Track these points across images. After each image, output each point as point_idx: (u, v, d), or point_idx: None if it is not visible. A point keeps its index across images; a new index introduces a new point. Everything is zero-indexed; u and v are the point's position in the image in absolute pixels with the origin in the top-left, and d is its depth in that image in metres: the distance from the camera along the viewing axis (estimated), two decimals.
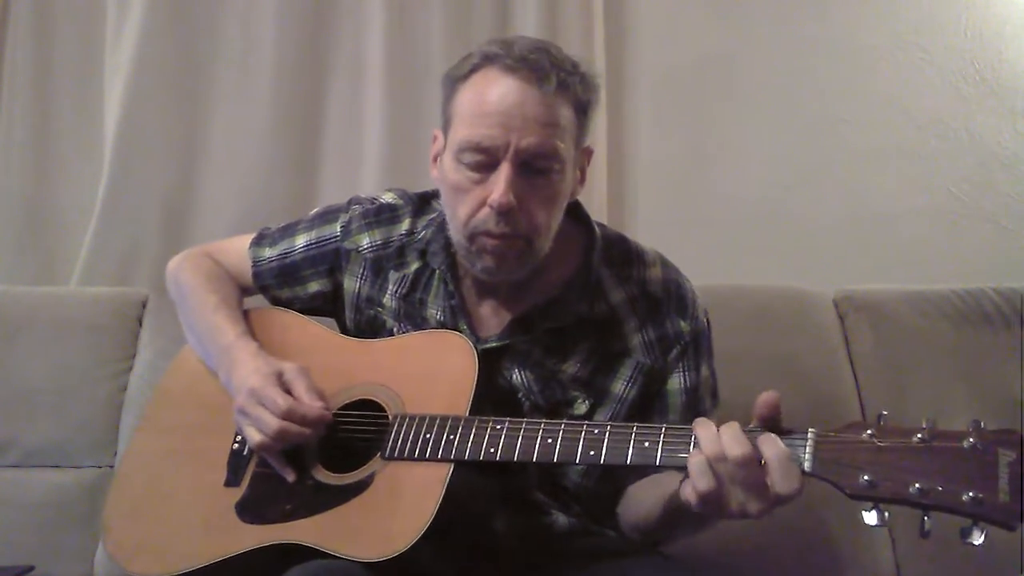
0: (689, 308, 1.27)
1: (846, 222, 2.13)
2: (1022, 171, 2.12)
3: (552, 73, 1.12)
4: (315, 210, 1.44)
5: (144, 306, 1.82)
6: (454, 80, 1.18)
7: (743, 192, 2.14)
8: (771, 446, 0.94)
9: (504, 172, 1.11)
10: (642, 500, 1.20)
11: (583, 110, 1.17)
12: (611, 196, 2.08)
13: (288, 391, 1.18)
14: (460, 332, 1.23)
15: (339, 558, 1.06)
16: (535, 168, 1.13)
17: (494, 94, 1.12)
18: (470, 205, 1.15)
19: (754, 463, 0.93)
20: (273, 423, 1.14)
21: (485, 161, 1.13)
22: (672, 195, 2.15)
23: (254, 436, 1.16)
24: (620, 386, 1.24)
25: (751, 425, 0.98)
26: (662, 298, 1.26)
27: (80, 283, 2.01)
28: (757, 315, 1.80)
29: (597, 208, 1.99)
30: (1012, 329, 1.79)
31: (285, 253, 1.40)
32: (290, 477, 1.17)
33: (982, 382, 1.75)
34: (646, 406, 1.25)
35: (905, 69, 2.13)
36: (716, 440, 0.95)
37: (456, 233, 1.19)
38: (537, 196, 1.15)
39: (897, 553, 1.65)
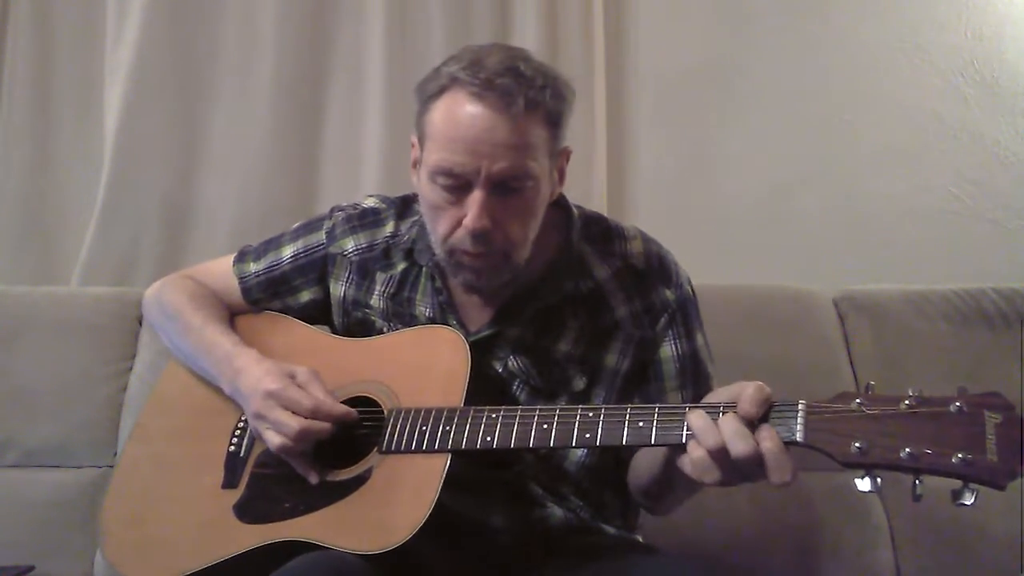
0: (673, 277, 1.29)
1: (846, 222, 2.13)
2: (1022, 171, 2.12)
3: (519, 95, 1.11)
4: (297, 223, 1.45)
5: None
6: (426, 96, 1.18)
7: (743, 192, 2.14)
8: (767, 439, 0.94)
9: (477, 198, 1.13)
10: (646, 468, 1.21)
11: (555, 122, 1.17)
12: (611, 196, 2.08)
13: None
14: (450, 327, 1.25)
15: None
16: (509, 187, 1.14)
17: (462, 120, 1.12)
18: (447, 224, 1.17)
19: (758, 458, 0.93)
20: (295, 424, 1.14)
21: (458, 184, 1.14)
22: (672, 195, 2.15)
23: (274, 439, 1.16)
24: (613, 359, 1.26)
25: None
26: (645, 270, 1.28)
27: (80, 283, 2.01)
28: (757, 315, 1.80)
29: (597, 208, 1.98)
30: (1012, 329, 1.79)
31: (272, 266, 1.40)
32: (313, 479, 1.16)
33: (982, 382, 1.73)
34: (640, 376, 1.27)
35: (905, 69, 2.13)
36: (715, 431, 0.96)
37: (436, 247, 1.22)
38: (512, 213, 1.16)
39: (897, 552, 1.65)
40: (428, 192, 1.18)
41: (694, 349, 1.28)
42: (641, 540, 1.33)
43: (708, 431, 0.96)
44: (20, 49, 2.07)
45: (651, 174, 2.15)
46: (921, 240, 2.12)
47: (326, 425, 1.15)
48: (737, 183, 2.14)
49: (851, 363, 1.78)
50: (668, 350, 1.27)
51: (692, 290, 1.31)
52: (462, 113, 1.12)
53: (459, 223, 1.15)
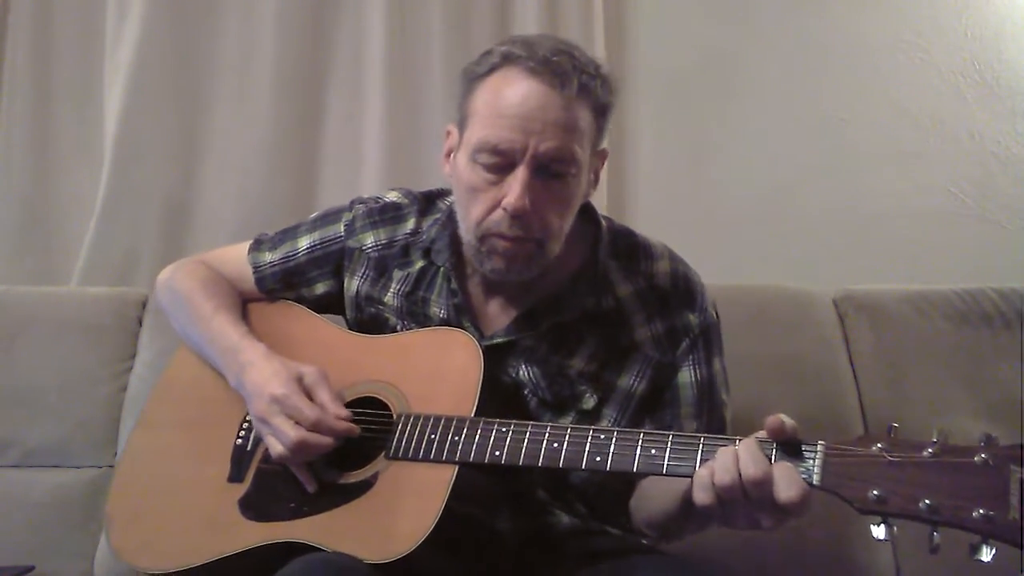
0: (698, 301, 1.26)
1: (846, 222, 2.13)
2: (1022, 171, 2.12)
3: (574, 76, 1.11)
4: (315, 213, 1.43)
5: (144, 306, 1.81)
6: (472, 77, 1.17)
7: (743, 192, 2.14)
8: (780, 465, 0.92)
9: (520, 176, 1.11)
10: (654, 497, 1.19)
11: (602, 113, 1.17)
12: (611, 196, 2.08)
13: (309, 396, 1.15)
14: (465, 330, 1.22)
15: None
16: (551, 172, 1.13)
17: (514, 96, 1.11)
18: (484, 206, 1.15)
19: (769, 483, 0.91)
20: (294, 435, 1.11)
21: (501, 163, 1.12)
22: (672, 195, 2.15)
23: (275, 447, 1.14)
24: (628, 380, 1.23)
25: (760, 435, 0.96)
26: (670, 291, 1.25)
27: (80, 283, 2.01)
28: (757, 315, 1.80)
29: (597, 207, 1.98)
30: (1012, 329, 1.79)
31: (288, 256, 1.38)
32: (311, 488, 1.14)
33: (982, 382, 1.74)
34: (655, 400, 1.24)
35: (905, 69, 2.13)
36: (731, 454, 0.93)
37: (467, 232, 1.19)
38: (552, 199, 1.14)
39: (897, 553, 1.65)
40: (467, 174, 1.15)
41: (711, 376, 1.25)
42: (645, 542, 1.32)
43: (725, 453, 0.94)
44: (20, 49, 2.07)
45: (651, 173, 2.15)
46: (921, 240, 2.12)
47: (327, 440, 1.12)
48: (737, 183, 2.14)
49: (851, 363, 1.78)
50: (687, 375, 1.24)
51: (716, 315, 1.28)
52: (513, 88, 1.11)
53: (496, 205, 1.13)
